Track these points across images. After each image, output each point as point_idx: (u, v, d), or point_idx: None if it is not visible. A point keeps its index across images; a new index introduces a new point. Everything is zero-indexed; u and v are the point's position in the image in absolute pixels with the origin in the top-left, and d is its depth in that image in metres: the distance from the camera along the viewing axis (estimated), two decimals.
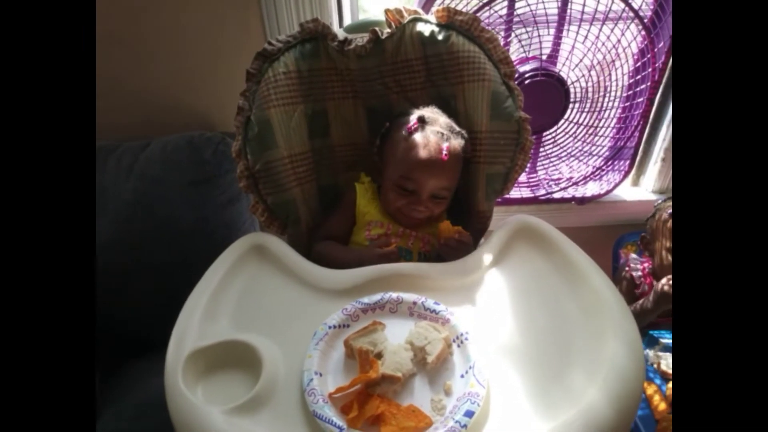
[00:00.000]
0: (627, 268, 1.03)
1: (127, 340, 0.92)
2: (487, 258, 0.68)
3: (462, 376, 0.52)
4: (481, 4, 0.93)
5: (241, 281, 0.66)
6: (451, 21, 0.75)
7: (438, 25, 0.75)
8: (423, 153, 0.71)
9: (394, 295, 0.61)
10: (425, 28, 0.75)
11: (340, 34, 0.77)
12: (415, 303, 0.61)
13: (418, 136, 0.72)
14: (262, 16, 0.92)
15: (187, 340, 0.55)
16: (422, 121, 0.73)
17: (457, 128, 0.75)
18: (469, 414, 0.46)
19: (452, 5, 0.86)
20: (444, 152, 0.70)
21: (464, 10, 0.76)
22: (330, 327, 0.57)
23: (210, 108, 1.04)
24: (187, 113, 1.04)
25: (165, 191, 0.85)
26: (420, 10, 0.77)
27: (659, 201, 1.06)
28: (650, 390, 0.84)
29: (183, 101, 1.03)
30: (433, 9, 0.76)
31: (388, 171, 0.76)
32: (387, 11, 0.76)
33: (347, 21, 1.02)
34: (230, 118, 1.02)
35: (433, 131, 0.73)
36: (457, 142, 0.74)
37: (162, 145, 0.88)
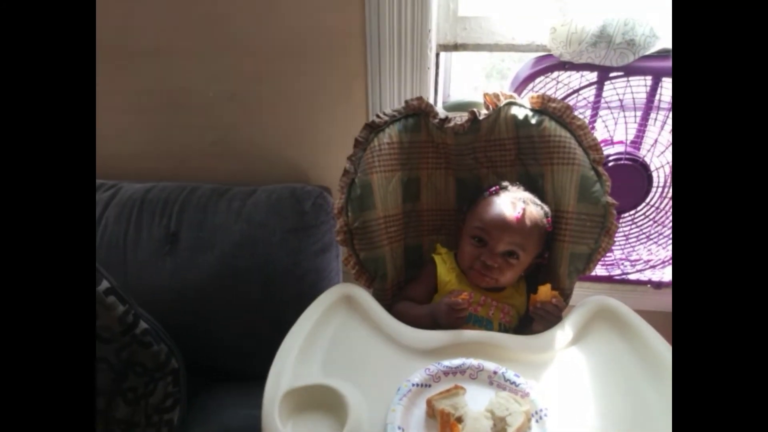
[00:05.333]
0: None
1: (205, 368, 0.99)
2: (567, 336, 0.70)
3: None
4: (570, 90, 0.99)
5: (331, 328, 0.71)
6: (544, 107, 0.81)
7: (532, 109, 0.82)
8: (499, 208, 0.77)
9: (474, 362, 0.64)
10: (519, 112, 0.81)
11: (441, 112, 0.85)
12: (495, 372, 0.63)
13: (497, 197, 0.79)
14: (366, 88, 1.03)
15: (283, 379, 0.61)
16: (504, 187, 0.80)
17: (539, 201, 0.80)
18: None
19: (544, 92, 0.92)
20: (519, 211, 0.76)
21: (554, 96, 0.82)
22: (413, 384, 0.61)
23: (307, 163, 1.15)
24: (286, 165, 1.16)
25: (268, 235, 0.93)
26: (515, 95, 0.84)
27: None
28: None
29: (284, 154, 1.15)
30: (528, 94, 0.83)
31: (466, 226, 0.82)
32: (485, 94, 0.83)
33: (440, 99, 1.11)
34: (323, 173, 1.13)
35: (514, 195, 0.78)
36: (536, 210, 0.78)
37: (267, 193, 0.98)
